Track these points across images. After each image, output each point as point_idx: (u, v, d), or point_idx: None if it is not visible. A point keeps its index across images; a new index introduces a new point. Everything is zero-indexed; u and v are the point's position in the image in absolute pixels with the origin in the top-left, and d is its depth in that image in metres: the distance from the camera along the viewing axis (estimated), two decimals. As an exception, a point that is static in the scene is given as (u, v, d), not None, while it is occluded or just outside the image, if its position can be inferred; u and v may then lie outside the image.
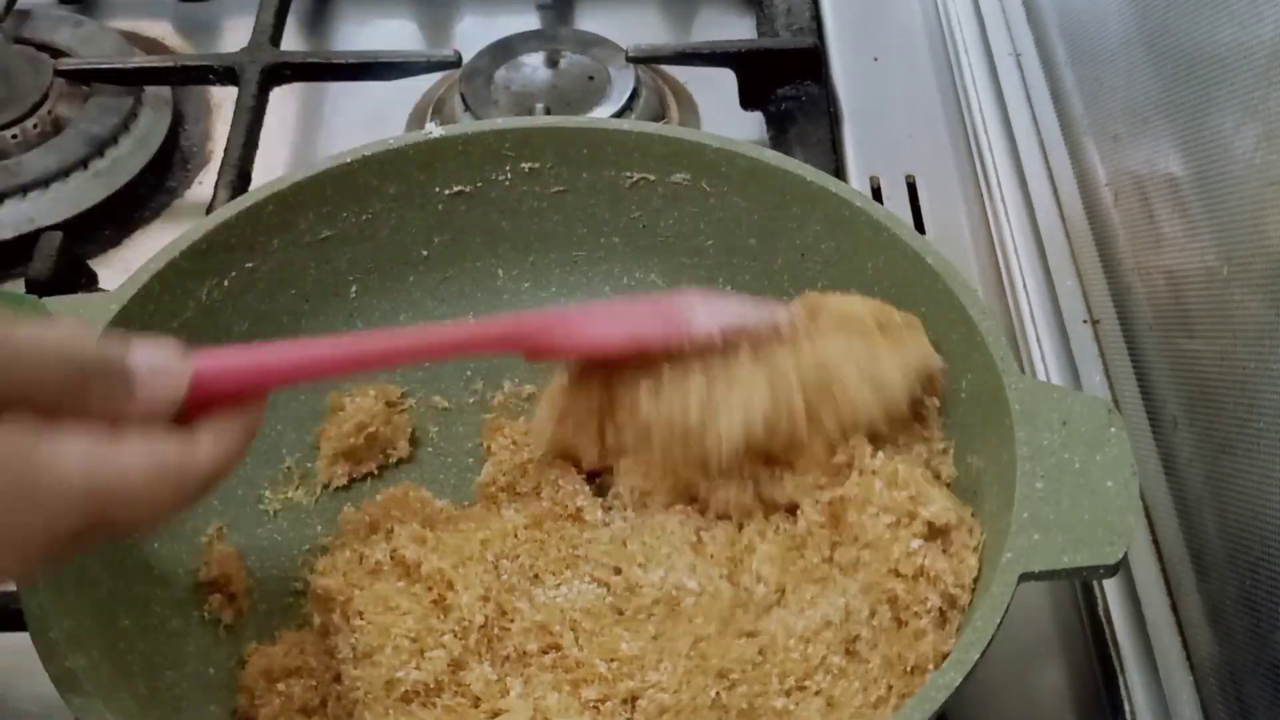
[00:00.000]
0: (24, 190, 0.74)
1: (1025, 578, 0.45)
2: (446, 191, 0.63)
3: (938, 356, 0.54)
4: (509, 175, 0.63)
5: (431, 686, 0.50)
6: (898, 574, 0.49)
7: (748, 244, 0.62)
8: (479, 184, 0.63)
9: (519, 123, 0.63)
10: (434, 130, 0.63)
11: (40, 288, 0.67)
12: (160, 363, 0.40)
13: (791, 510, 0.54)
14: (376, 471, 0.61)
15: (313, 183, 0.60)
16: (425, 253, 0.64)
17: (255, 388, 0.44)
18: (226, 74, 0.78)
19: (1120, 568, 0.46)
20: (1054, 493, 0.47)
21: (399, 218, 0.63)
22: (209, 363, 0.42)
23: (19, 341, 0.36)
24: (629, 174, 0.62)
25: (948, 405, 0.55)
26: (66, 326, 0.39)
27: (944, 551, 0.50)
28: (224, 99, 0.83)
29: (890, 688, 0.48)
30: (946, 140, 0.79)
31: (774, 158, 0.60)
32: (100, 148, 0.77)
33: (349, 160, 0.61)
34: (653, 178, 0.62)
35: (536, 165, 0.63)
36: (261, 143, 0.75)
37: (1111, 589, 0.57)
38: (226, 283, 0.59)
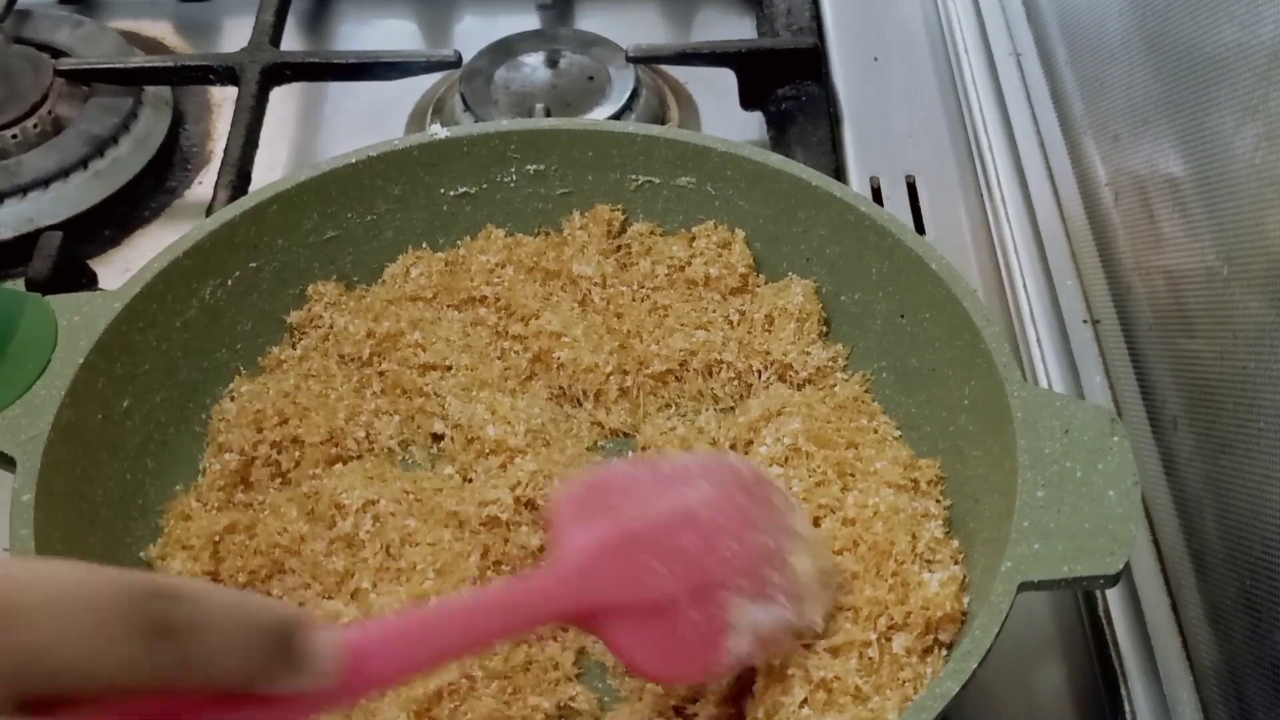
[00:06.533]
0: (24, 190, 0.74)
1: (1025, 587, 0.45)
2: (451, 193, 0.63)
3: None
4: (514, 177, 0.63)
5: None
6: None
7: (753, 248, 0.62)
8: (484, 185, 0.63)
9: (525, 124, 0.63)
10: (439, 131, 0.63)
11: (40, 288, 0.66)
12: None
13: None
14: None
15: (317, 183, 0.60)
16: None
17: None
18: (226, 74, 0.78)
19: (1121, 578, 0.46)
20: (1055, 502, 0.47)
21: (404, 218, 0.63)
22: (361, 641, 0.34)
23: (215, 604, 0.28)
24: (634, 176, 0.62)
25: (950, 412, 0.55)
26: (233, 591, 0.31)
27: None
28: (224, 99, 0.83)
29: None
30: (946, 140, 0.79)
31: (779, 162, 0.60)
32: (100, 148, 0.76)
33: (354, 160, 0.61)
34: (658, 180, 0.62)
35: (542, 167, 0.63)
36: (261, 143, 0.75)
37: (1112, 589, 0.57)
38: (230, 282, 0.59)
